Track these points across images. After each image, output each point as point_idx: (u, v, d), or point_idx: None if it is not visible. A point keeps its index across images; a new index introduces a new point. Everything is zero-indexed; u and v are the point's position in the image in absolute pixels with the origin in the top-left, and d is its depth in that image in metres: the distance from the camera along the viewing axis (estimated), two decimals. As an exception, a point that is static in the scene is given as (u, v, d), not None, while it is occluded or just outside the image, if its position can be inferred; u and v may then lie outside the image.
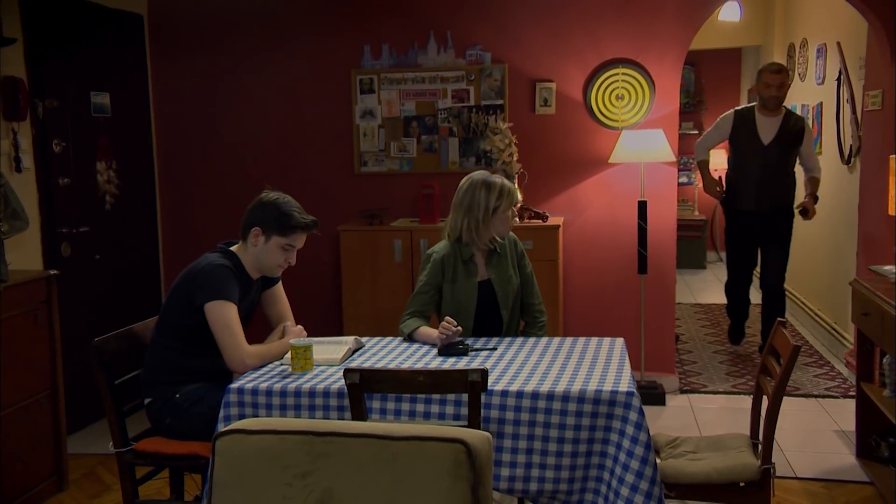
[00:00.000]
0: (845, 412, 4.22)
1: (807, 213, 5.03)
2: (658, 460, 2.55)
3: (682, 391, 4.72)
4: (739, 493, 2.47)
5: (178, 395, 2.76)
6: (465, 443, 1.62)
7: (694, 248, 8.67)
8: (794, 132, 5.03)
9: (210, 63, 5.03)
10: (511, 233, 3.20)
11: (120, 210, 4.70)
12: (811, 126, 5.43)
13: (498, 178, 3.10)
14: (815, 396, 4.56)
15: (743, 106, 5.27)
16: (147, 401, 2.84)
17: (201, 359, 2.80)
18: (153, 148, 5.10)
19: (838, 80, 5.51)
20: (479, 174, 3.14)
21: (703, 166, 5.27)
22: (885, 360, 3.43)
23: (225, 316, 2.70)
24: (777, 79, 4.96)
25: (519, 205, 3.16)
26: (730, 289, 5.51)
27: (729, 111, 5.23)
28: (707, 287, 7.88)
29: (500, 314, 3.10)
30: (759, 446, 2.56)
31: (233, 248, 2.89)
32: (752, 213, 5.12)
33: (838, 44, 5.49)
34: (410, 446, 1.64)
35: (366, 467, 1.65)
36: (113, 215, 4.65)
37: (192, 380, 2.79)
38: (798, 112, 7.67)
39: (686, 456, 2.57)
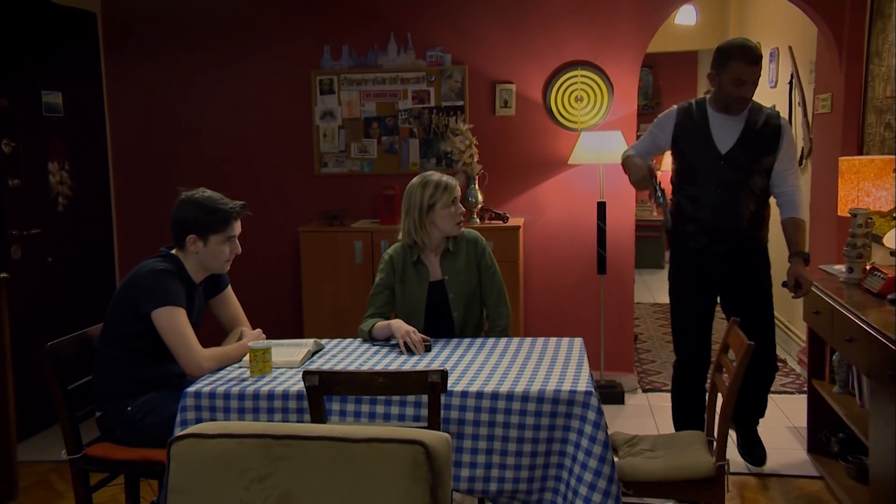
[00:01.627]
0: (798, 408, 4.31)
1: (800, 287, 3.24)
2: (616, 459, 2.58)
3: (642, 390, 4.78)
4: (695, 490, 2.51)
5: (129, 408, 2.71)
6: (424, 444, 1.62)
7: (652, 248, 8.80)
8: (764, 135, 3.35)
9: (166, 62, 4.96)
10: (474, 232, 3.20)
11: (73, 212, 4.61)
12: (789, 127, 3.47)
13: (436, 176, 3.10)
14: (770, 393, 4.64)
15: (689, 101, 3.48)
16: (98, 414, 2.78)
17: (150, 367, 2.75)
18: (108, 148, 5.01)
19: (790, 83, 5.63)
20: (422, 174, 3.14)
21: (626, 160, 3.47)
22: (834, 357, 3.52)
23: (174, 321, 2.66)
24: (752, 73, 3.25)
25: (460, 197, 3.10)
26: (680, 374, 3.54)
27: (670, 108, 3.54)
28: (665, 287, 7.96)
29: (452, 315, 3.09)
30: (715, 443, 2.60)
31: (173, 252, 2.83)
32: (705, 252, 3.40)
33: (790, 48, 5.62)
34: (369, 448, 1.64)
35: (324, 470, 1.64)
36: (66, 217, 4.56)
37: (142, 391, 2.73)
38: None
39: (643, 454, 2.61)
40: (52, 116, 4.48)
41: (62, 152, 4.54)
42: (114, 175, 5.05)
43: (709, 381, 3.17)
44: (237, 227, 2.83)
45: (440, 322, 3.10)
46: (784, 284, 3.31)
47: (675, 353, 3.58)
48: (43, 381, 2.67)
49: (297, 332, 4.57)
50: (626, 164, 3.45)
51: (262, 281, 4.88)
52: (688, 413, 3.50)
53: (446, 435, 1.71)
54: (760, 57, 3.30)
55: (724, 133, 3.36)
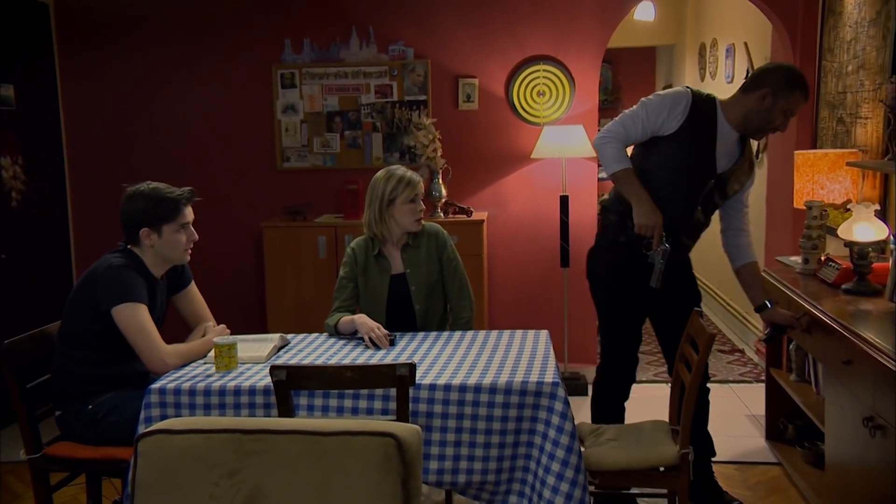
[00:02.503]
0: (756, 397, 4.41)
1: (783, 331, 3.13)
2: (582, 449, 2.61)
3: (604, 381, 4.84)
4: (660, 478, 2.56)
5: (90, 407, 2.66)
6: (395, 436, 1.62)
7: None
8: (749, 163, 3.08)
9: (123, 55, 4.86)
10: (435, 225, 3.20)
11: (28, 207, 4.51)
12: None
13: (401, 171, 3.10)
14: (728, 382, 4.75)
15: (700, 91, 2.98)
16: (57, 413, 2.72)
17: (112, 366, 2.70)
18: (62, 142, 4.90)
19: (746, 78, 5.73)
20: (387, 168, 3.14)
21: (628, 177, 2.92)
22: (791, 346, 3.60)
23: (136, 318, 2.61)
24: (803, 107, 2.99)
25: (422, 195, 3.09)
26: (613, 376, 3.14)
27: (680, 89, 2.99)
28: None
29: (413, 308, 3.10)
30: (678, 432, 2.65)
31: (130, 247, 2.78)
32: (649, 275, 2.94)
33: (745, 44, 5.72)
34: (340, 441, 1.64)
35: (295, 464, 1.63)
36: (20, 213, 4.45)
37: (103, 389, 2.68)
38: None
39: (608, 444, 2.64)
40: (4, 110, 4.36)
41: (15, 146, 4.43)
42: (69, 169, 4.94)
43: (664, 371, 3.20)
44: (189, 214, 2.79)
45: (402, 315, 3.10)
46: (773, 333, 3.12)
47: (604, 356, 3.15)
48: (-2, 380, 2.60)
49: (261, 328, 4.53)
50: (628, 186, 2.91)
51: (224, 276, 4.83)
52: (613, 413, 3.13)
53: (417, 427, 1.71)
54: None
55: (725, 151, 2.97)
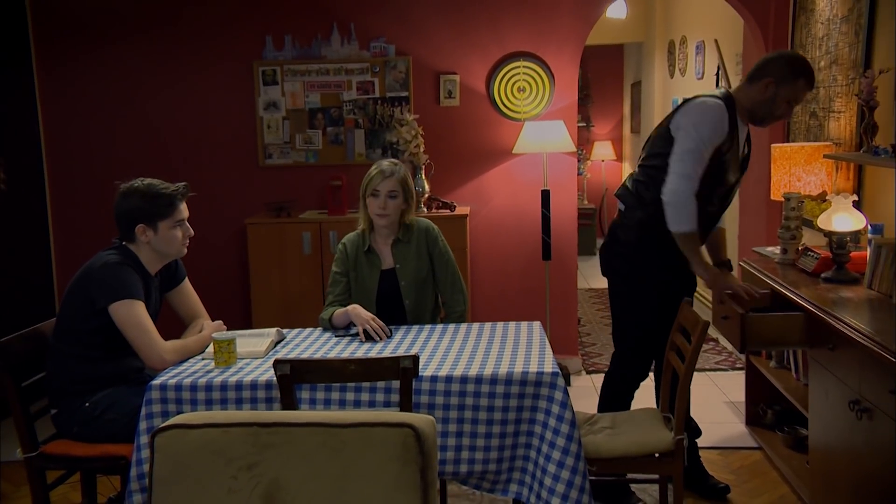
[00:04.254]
0: (733, 384, 4.48)
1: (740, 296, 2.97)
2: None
3: (586, 372, 4.89)
4: (655, 463, 2.59)
5: (87, 404, 2.62)
6: (413, 427, 1.62)
7: (585, 235, 8.96)
8: (749, 149, 3.14)
9: (102, 52, 4.77)
10: (426, 221, 3.19)
11: (7, 207, 4.41)
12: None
13: (384, 163, 3.08)
14: (705, 370, 4.82)
15: (717, 96, 2.94)
16: (53, 411, 2.67)
17: (108, 363, 2.66)
18: (41, 140, 4.80)
19: (717, 74, 5.81)
20: (382, 160, 3.16)
21: (695, 238, 2.92)
22: (771, 334, 3.67)
23: (134, 314, 2.58)
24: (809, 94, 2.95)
25: (392, 190, 3.02)
26: (617, 396, 3.17)
27: (710, 101, 2.90)
28: (598, 272, 8.15)
29: (403, 303, 3.09)
30: (671, 419, 2.69)
31: (126, 244, 2.74)
32: (678, 268, 3.00)
33: (716, 41, 5.80)
34: (358, 433, 1.63)
35: (313, 456, 1.63)
36: (0, 211, 4.35)
37: (100, 387, 2.64)
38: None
39: (604, 432, 2.67)
40: (-18, 108, 4.26)
41: (-6, 145, 4.33)
42: (48, 168, 4.84)
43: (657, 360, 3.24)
44: (184, 210, 2.76)
45: (392, 309, 3.09)
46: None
47: (627, 366, 3.14)
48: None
49: (246, 324, 4.50)
50: (693, 246, 2.89)
51: (209, 273, 4.76)
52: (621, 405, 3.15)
53: (431, 418, 1.72)
54: None
55: (741, 145, 3.00)
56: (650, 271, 3.02)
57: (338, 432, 1.63)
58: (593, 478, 2.64)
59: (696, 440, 3.33)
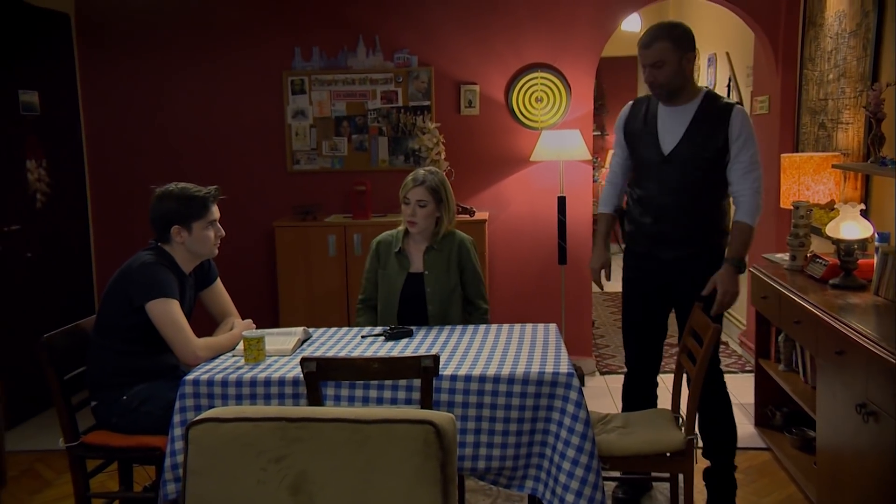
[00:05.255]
0: (743, 387, 4.44)
1: (710, 304, 2.82)
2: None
3: (599, 373, 4.87)
4: (667, 463, 2.59)
5: (124, 397, 2.65)
6: (434, 424, 1.64)
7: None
8: (713, 126, 2.85)
9: (140, 62, 4.84)
10: (464, 235, 3.16)
11: (51, 208, 4.48)
12: (748, 119, 2.90)
13: (419, 172, 3.07)
14: (715, 373, 4.78)
15: (649, 94, 3.01)
16: (93, 403, 2.72)
17: (145, 358, 2.69)
18: (83, 145, 4.87)
19: (728, 86, 5.78)
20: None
21: (599, 222, 3.18)
22: (780, 337, 3.64)
23: (169, 312, 2.61)
24: (645, 56, 2.85)
25: (421, 199, 3.02)
26: (626, 379, 3.19)
27: (733, 102, 2.93)
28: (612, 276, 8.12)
29: (427, 308, 3.07)
30: (681, 419, 2.68)
31: (161, 245, 2.78)
32: (650, 257, 3.01)
33: (727, 54, 5.77)
34: (381, 429, 1.65)
35: (339, 450, 1.65)
36: (44, 213, 4.43)
37: (137, 380, 2.68)
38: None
39: (617, 431, 2.66)
40: (28, 115, 4.33)
41: (39, 150, 4.40)
42: (89, 171, 4.91)
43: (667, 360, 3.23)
44: (216, 212, 2.80)
45: (416, 313, 3.08)
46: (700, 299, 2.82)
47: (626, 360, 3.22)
48: (24, 372, 2.59)
49: (274, 322, 4.53)
50: (595, 235, 3.21)
51: (237, 274, 4.80)
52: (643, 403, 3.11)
53: (452, 416, 1.73)
54: (654, 39, 2.82)
55: (670, 130, 2.89)
56: (624, 268, 3.17)
57: (362, 428, 1.65)
58: (612, 475, 2.64)
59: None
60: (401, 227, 3.12)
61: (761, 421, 3.86)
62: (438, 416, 1.68)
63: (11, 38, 4.24)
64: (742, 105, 3.06)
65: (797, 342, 3.40)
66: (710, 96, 2.92)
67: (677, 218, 2.91)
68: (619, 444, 2.55)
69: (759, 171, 2.90)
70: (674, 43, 2.82)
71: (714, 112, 2.87)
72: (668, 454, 2.56)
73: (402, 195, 3.04)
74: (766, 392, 3.81)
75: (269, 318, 4.68)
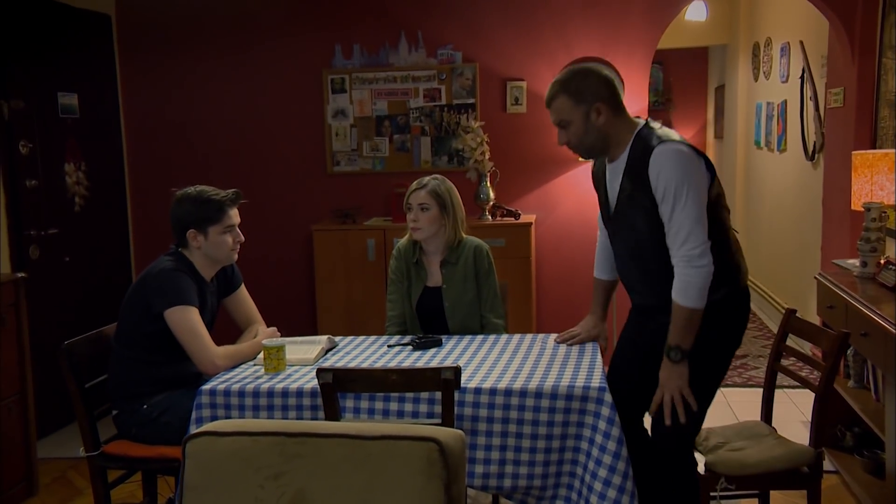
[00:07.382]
0: (811, 403, 4.26)
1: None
2: (699, 455, 2.56)
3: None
4: (796, 479, 2.55)
5: (145, 406, 2.70)
6: (438, 441, 1.60)
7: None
8: (640, 178, 2.34)
9: (179, 63, 4.96)
10: (477, 240, 3.12)
11: (90, 212, 4.62)
12: (673, 160, 2.29)
13: (425, 177, 3.07)
14: (784, 387, 4.60)
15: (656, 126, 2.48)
16: (114, 412, 2.77)
17: (165, 366, 2.73)
18: (123, 148, 5.02)
19: (802, 77, 5.57)
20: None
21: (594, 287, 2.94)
22: (849, 352, 3.47)
23: (187, 320, 2.64)
24: (551, 115, 2.48)
25: (423, 203, 2.99)
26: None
27: (682, 148, 2.32)
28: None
29: (447, 322, 3.04)
30: (775, 431, 2.68)
31: (181, 250, 2.81)
32: (641, 326, 2.64)
33: (801, 43, 5.55)
34: (383, 446, 1.62)
35: (339, 467, 1.63)
36: (83, 217, 4.57)
37: (157, 390, 2.72)
38: (763, 110, 7.43)
39: (723, 447, 2.58)
40: (68, 118, 4.48)
41: (78, 153, 4.55)
42: (129, 174, 5.05)
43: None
44: (235, 216, 2.81)
45: (436, 327, 3.05)
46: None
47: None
48: (61, 379, 2.66)
49: (311, 330, 4.57)
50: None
51: (275, 279, 4.88)
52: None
53: (460, 432, 1.69)
54: (551, 96, 2.42)
55: (612, 186, 2.48)
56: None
57: (363, 444, 1.63)
58: (732, 493, 2.53)
59: None
60: (407, 237, 3.10)
61: (830, 442, 3.68)
62: (444, 432, 1.64)
63: (51, 39, 4.39)
64: (669, 142, 2.31)
65: (865, 356, 3.24)
66: (639, 138, 2.38)
67: (635, 285, 2.56)
68: (744, 461, 2.49)
69: (695, 230, 2.27)
70: (572, 97, 2.39)
71: (639, 157, 2.34)
72: (795, 470, 2.53)
73: (405, 201, 3.03)
74: (832, 410, 3.63)
75: (307, 323, 4.73)
